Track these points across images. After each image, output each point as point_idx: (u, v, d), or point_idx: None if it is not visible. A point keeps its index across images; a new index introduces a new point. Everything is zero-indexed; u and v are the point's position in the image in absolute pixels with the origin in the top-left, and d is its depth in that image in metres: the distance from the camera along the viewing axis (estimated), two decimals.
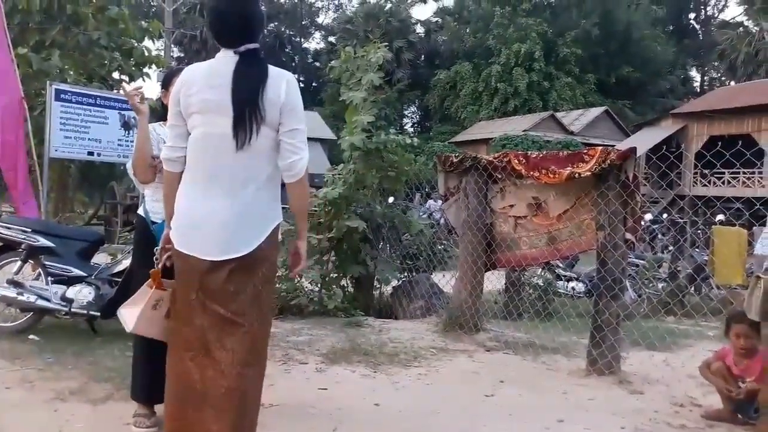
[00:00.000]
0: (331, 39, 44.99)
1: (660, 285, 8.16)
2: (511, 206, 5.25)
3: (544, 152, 5.19)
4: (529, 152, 5.20)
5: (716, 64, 39.05)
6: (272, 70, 2.16)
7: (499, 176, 5.21)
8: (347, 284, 6.58)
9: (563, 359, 4.63)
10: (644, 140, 21.52)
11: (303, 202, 2.26)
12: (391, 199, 7.35)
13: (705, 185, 20.78)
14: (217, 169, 2.13)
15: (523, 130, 28.44)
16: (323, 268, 6.33)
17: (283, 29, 47.63)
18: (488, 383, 3.96)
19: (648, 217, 10.91)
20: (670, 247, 9.05)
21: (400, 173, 6.69)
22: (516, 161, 5.00)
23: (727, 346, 3.56)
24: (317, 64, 45.17)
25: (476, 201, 5.30)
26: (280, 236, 2.30)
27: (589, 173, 4.38)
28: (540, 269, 7.49)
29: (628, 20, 36.41)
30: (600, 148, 4.59)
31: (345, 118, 6.72)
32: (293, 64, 45.96)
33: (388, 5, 42.55)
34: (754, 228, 8.02)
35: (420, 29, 43.79)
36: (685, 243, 8.68)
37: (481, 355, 4.67)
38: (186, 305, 2.15)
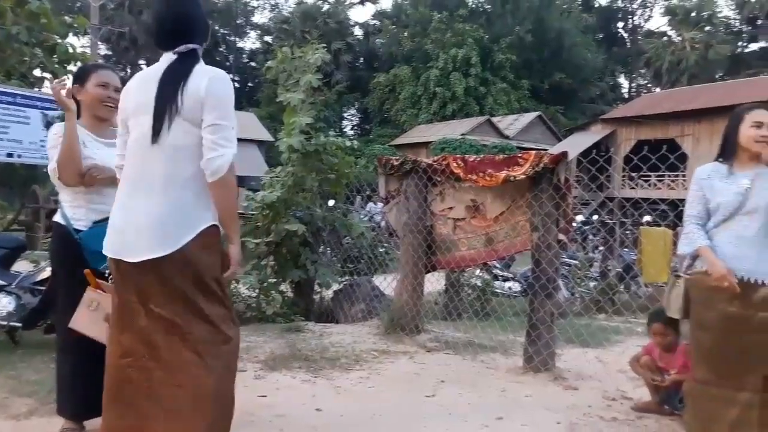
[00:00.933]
0: (267, 39, 44.50)
1: (591, 284, 8.52)
2: (450, 209, 5.35)
3: (482, 156, 5.32)
4: (467, 156, 5.32)
5: (643, 71, 41.10)
6: (200, 66, 2.14)
7: (439, 179, 5.31)
8: (286, 289, 6.52)
9: (501, 357, 4.76)
10: (575, 144, 22.40)
11: (226, 203, 2.13)
12: (331, 202, 7.35)
13: (633, 188, 21.83)
14: (140, 170, 2.12)
15: (461, 134, 29.02)
16: (261, 273, 6.25)
17: (216, 28, 46.71)
18: (429, 384, 4.02)
19: (579, 218, 11.36)
20: (601, 247, 9.45)
21: (340, 176, 6.70)
22: (455, 164, 5.11)
23: (653, 341, 3.76)
24: (253, 64, 44.56)
25: (416, 203, 5.37)
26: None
27: (523, 176, 4.53)
28: (478, 270, 7.66)
29: (560, 28, 37.80)
30: (534, 152, 4.76)
31: (282, 119, 6.67)
32: (228, 63, 45.13)
33: (326, 6, 42.50)
34: (678, 228, 8.46)
35: (358, 31, 43.98)
36: (615, 243, 9.09)
37: (422, 356, 4.73)
38: (127, 309, 2.12)
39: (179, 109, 2.06)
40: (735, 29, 38.24)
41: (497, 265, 8.63)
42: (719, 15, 37.56)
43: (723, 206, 2.78)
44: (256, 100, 38.85)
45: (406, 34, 40.19)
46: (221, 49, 46.97)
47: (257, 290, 6.17)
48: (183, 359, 2.05)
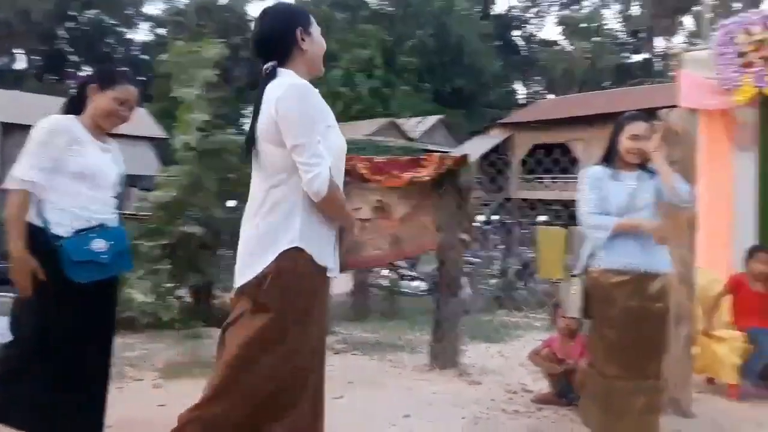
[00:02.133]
0: (160, 31, 42.65)
1: (492, 281, 8.90)
2: (357, 209, 5.40)
3: (387, 157, 5.42)
4: (373, 157, 5.40)
5: (538, 78, 43.42)
6: (278, 82, 2.04)
7: (346, 180, 5.34)
8: (185, 294, 6.29)
9: (408, 356, 4.87)
10: (476, 147, 23.28)
11: (339, 217, 2.07)
12: (231, 203, 7.18)
13: (529, 189, 23.03)
14: (250, 191, 2.10)
15: (367, 135, 29.29)
16: (157, 278, 5.99)
17: (103, 18, 44.14)
18: (338, 385, 4.03)
19: (481, 218, 11.84)
20: (501, 246, 9.89)
21: (241, 176, 6.55)
22: (361, 165, 5.16)
23: (553, 335, 4.00)
24: (145, 57, 42.52)
25: None
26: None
27: (428, 178, 4.67)
28: (385, 270, 7.78)
29: (461, 34, 39.15)
30: (437, 154, 4.92)
31: (177, 116, 6.44)
32: (116, 56, 42.78)
33: (224, 0, 41.40)
34: (571, 227, 9.06)
35: None
36: (514, 242, 9.54)
37: (330, 358, 4.70)
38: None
39: (258, 131, 2.03)
40: (620, 41, 41.33)
41: (404, 265, 8.80)
42: (606, 27, 40.49)
43: (615, 205, 3.00)
44: (147, 95, 37.07)
45: None
46: (109, 41, 44.47)
47: (153, 296, 5.90)
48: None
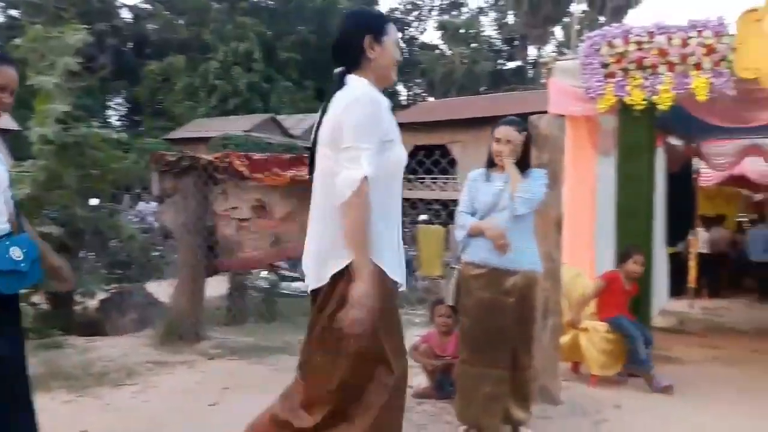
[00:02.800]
0: (13, 13, 38.96)
1: None
2: (235, 208, 5.29)
3: (268, 154, 5.36)
4: (252, 154, 5.31)
5: (418, 81, 44.71)
6: (348, 90, 2.08)
7: (221, 177, 5.21)
8: (40, 300, 5.82)
9: (290, 359, 4.82)
10: None
11: (347, 230, 1.97)
12: (94, 201, 6.74)
13: (410, 189, 23.71)
14: (313, 199, 2.16)
15: (244, 131, 28.60)
16: None
17: None
18: (213, 392, 3.93)
19: None
20: None
21: (105, 172, 6.18)
22: (239, 162, 5.07)
23: (432, 330, 4.16)
24: None
25: (195, 203, 5.21)
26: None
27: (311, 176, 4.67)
28: (265, 271, 7.66)
29: None
30: None
31: (32, 106, 5.95)
32: None
33: None
34: (450, 226, 9.46)
35: (127, 14, 40.76)
36: None
37: (203, 365, 4.60)
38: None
39: (322, 138, 2.08)
40: (496, 48, 43.63)
41: (285, 266, 8.72)
42: (483, 34, 42.56)
43: (483, 204, 3.28)
44: None
45: (182, 21, 38.39)
46: None
47: None
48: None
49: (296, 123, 32.64)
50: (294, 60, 36.33)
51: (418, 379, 4.20)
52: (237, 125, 29.96)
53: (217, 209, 5.29)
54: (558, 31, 39.15)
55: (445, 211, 7.62)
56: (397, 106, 42.74)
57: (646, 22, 4.99)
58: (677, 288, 9.26)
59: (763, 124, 5.65)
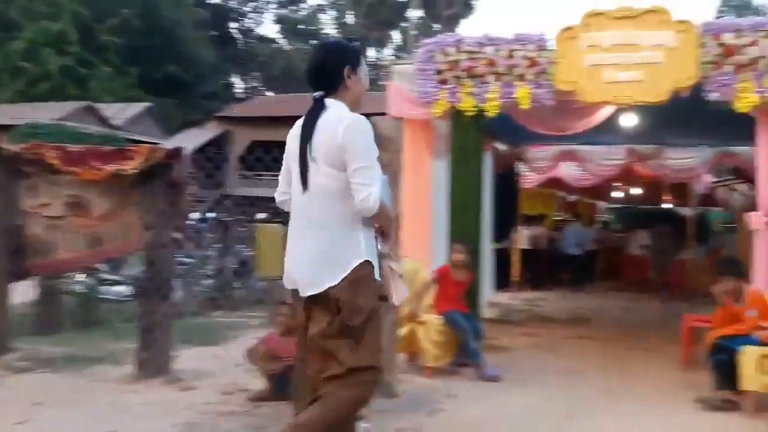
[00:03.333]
0: None
1: (208, 282, 8.76)
2: (46, 205, 4.83)
3: (85, 146, 4.97)
4: (66, 145, 4.90)
5: (256, 74, 43.91)
6: (333, 113, 2.37)
7: (30, 170, 4.74)
8: None
9: (111, 368, 4.54)
10: (191, 140, 22.61)
11: (384, 224, 2.44)
12: None
13: (248, 186, 23.21)
14: (299, 211, 2.42)
15: (56, 119, 26.10)
16: None
17: None
18: (20, 409, 3.58)
19: (195, 215, 11.56)
20: (217, 245, 9.80)
21: None
22: (51, 154, 4.65)
23: (271, 331, 4.14)
24: None
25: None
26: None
27: (135, 171, 4.42)
28: (81, 274, 7.09)
29: (173, 18, 37.45)
30: (146, 145, 4.70)
31: None
32: None
33: None
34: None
35: None
36: (231, 240, 9.55)
37: (8, 380, 4.18)
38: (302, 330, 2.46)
39: (316, 156, 2.34)
40: None
41: (104, 268, 8.13)
42: (323, 32, 42.90)
43: None
44: None
45: None
46: None
47: None
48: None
49: (118, 112, 30.44)
50: (115, 44, 33.84)
51: (255, 382, 4.16)
52: (46, 113, 27.25)
53: (25, 206, 4.79)
54: (396, 35, 40.67)
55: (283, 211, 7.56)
56: (232, 99, 41.75)
57: (477, 32, 5.42)
58: (502, 281, 10.14)
59: (578, 132, 6.38)
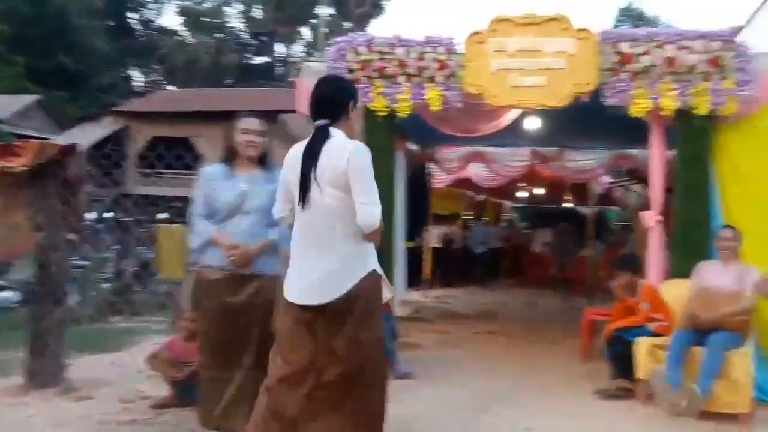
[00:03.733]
0: None
1: (106, 285, 8.35)
2: None
3: None
4: None
5: (157, 67, 42.26)
6: (338, 140, 2.62)
7: None
8: None
9: None
10: (86, 136, 21.44)
11: (375, 238, 2.67)
12: None
13: (148, 184, 22.31)
14: (305, 229, 2.64)
15: None
16: None
17: None
18: None
19: (92, 216, 10.99)
20: (116, 246, 9.37)
21: None
22: None
23: (175, 336, 4.01)
24: None
25: None
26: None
27: (24, 168, 4.16)
28: None
29: (63, 5, 35.36)
30: (36, 141, 4.45)
31: None
32: None
33: None
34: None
35: None
36: (131, 241, 9.16)
37: None
38: (296, 332, 2.62)
39: (322, 179, 2.56)
40: (243, 41, 43.30)
41: None
42: (229, 25, 41.89)
43: (224, 205, 3.21)
44: None
45: None
46: None
47: None
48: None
49: (3, 105, 28.46)
50: (2, 32, 31.54)
51: (157, 389, 4.02)
52: None
53: None
54: (306, 32, 40.40)
55: (189, 209, 7.34)
56: (131, 93, 39.98)
57: (388, 32, 5.49)
58: (414, 279, 10.33)
59: (486, 134, 6.61)
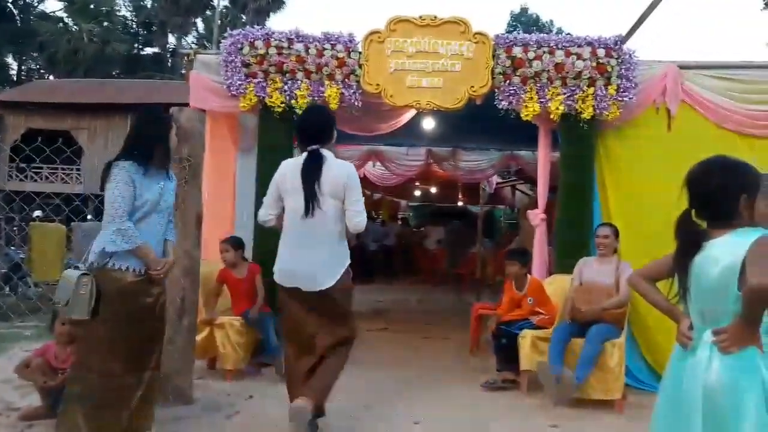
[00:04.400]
0: None
1: None
2: None
3: None
4: None
5: (35, 55, 39.24)
6: (332, 161, 3.44)
7: None
8: None
9: None
10: None
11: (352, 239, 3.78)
12: None
13: (22, 180, 20.64)
14: (301, 231, 3.40)
15: None
16: None
17: None
18: None
19: None
20: None
21: None
22: None
23: (49, 342, 3.68)
24: None
25: None
26: None
27: None
28: None
29: None
30: None
31: None
32: None
33: None
34: (73, 224, 8.54)
35: None
36: (1, 240, 8.42)
37: None
38: (300, 315, 3.47)
39: (323, 191, 3.34)
40: (132, 30, 41.10)
41: None
42: (118, 13, 39.63)
43: (149, 203, 3.05)
44: None
45: None
46: None
47: None
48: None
49: None
50: None
51: (28, 399, 3.69)
52: None
53: None
54: (200, 23, 39.04)
55: (69, 207, 6.85)
56: (6, 81, 36.97)
57: (287, 27, 5.36)
58: None
59: (383, 133, 6.62)
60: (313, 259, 3.33)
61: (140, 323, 3.06)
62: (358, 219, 3.34)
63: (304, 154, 3.41)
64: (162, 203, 3.13)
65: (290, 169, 3.45)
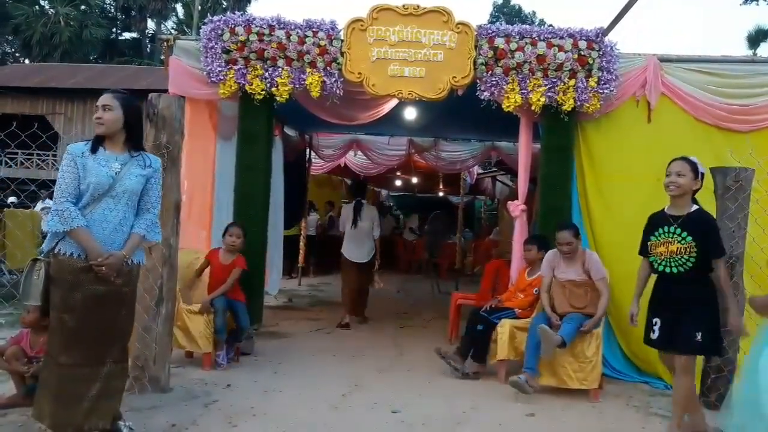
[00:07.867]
0: None
1: None
2: None
3: None
4: None
5: (10, 38, 38.41)
6: (366, 204, 7.25)
7: None
8: None
9: None
10: None
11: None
12: None
13: None
14: (353, 234, 7.01)
15: None
16: None
17: None
18: None
19: None
20: None
21: None
22: None
23: (24, 330, 3.61)
24: None
25: None
26: None
27: None
28: None
29: None
30: None
31: None
32: None
33: None
34: (46, 209, 8.40)
35: None
36: None
37: None
38: (353, 271, 7.06)
39: (363, 217, 7.00)
40: (110, 15, 40.36)
41: None
42: None
43: (98, 186, 2.89)
44: None
45: None
46: None
47: None
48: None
49: None
50: None
51: (1, 387, 3.63)
52: None
53: None
54: (179, 8, 38.44)
55: (44, 193, 6.72)
56: None
57: (268, 13, 5.26)
58: (290, 267, 10.18)
59: (364, 122, 6.59)
60: (360, 249, 7.00)
61: (93, 313, 2.89)
62: (377, 232, 7.14)
63: (356, 202, 7.10)
64: (118, 188, 2.94)
65: (348, 209, 7.14)
